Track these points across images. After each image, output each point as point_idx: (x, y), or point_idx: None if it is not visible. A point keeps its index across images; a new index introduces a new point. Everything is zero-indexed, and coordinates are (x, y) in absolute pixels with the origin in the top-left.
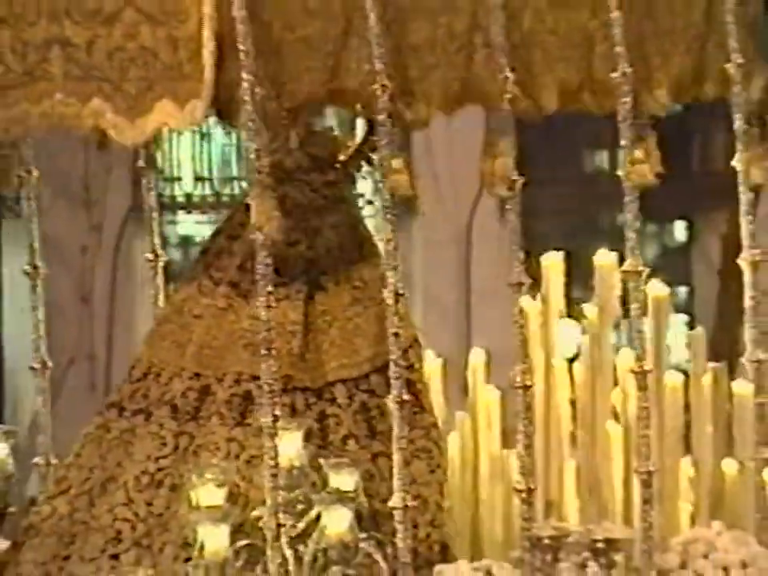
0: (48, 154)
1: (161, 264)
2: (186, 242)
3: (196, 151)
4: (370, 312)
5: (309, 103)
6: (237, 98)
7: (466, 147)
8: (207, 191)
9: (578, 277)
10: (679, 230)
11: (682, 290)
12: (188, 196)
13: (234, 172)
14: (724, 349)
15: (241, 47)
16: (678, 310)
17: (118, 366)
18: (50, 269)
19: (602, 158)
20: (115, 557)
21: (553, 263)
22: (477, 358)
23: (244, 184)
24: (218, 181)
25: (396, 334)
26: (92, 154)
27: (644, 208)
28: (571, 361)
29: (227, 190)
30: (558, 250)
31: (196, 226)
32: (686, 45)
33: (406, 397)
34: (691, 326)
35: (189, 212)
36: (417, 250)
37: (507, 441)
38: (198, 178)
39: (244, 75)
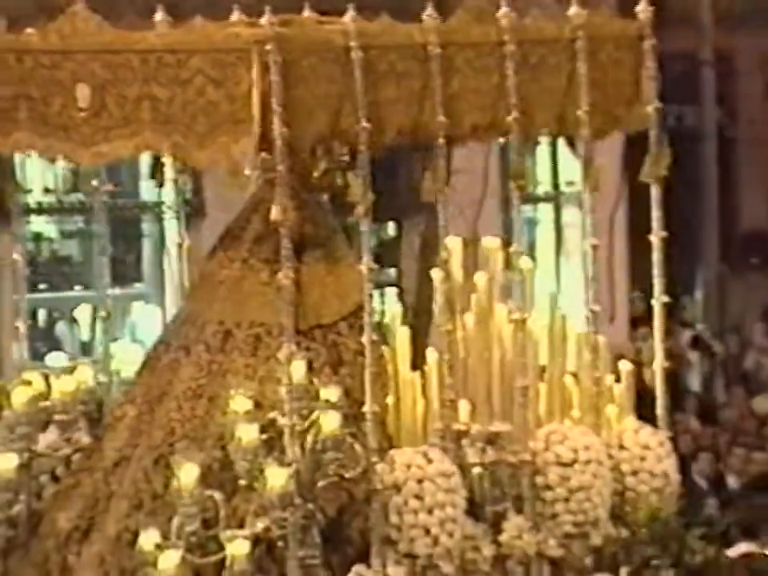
0: None
1: (184, 247)
2: (37, 237)
3: (45, 170)
4: (339, 280)
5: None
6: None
7: None
8: (53, 199)
9: None
10: (391, 228)
11: (392, 270)
12: (39, 203)
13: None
14: (422, 309)
15: (274, 102)
16: (390, 284)
17: None
18: None
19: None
20: (171, 445)
21: (455, 246)
22: (394, 309)
23: (80, 195)
24: (61, 192)
25: (370, 296)
26: None
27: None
28: None
29: (67, 199)
30: None
31: (45, 225)
32: (558, 98)
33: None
34: (400, 296)
35: (39, 215)
36: None
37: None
38: (47, 190)
39: (276, 120)
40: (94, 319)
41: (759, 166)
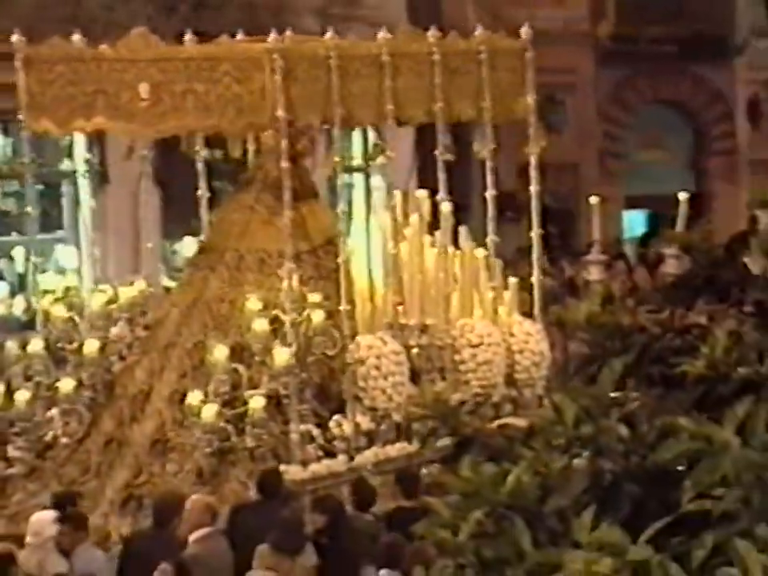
0: None
1: (206, 197)
2: None
3: None
4: (316, 218)
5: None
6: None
7: None
8: None
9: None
10: None
11: None
12: None
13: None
14: None
15: (278, 96)
16: None
17: None
18: None
19: None
20: (205, 334)
21: (398, 197)
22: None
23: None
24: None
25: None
26: None
27: None
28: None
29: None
30: None
31: None
32: (469, 93)
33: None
34: None
35: None
36: None
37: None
38: None
39: (279, 110)
40: (27, 258)
41: (510, 148)
